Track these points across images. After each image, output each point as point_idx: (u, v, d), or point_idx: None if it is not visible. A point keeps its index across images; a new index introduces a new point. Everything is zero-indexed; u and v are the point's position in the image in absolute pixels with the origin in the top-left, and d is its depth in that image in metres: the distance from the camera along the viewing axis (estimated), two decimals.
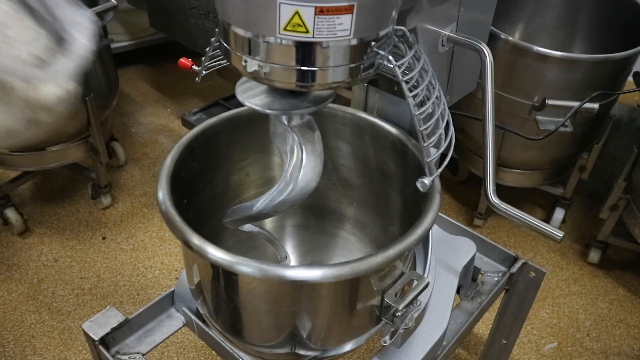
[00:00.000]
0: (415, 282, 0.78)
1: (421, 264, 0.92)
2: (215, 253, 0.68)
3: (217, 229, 0.95)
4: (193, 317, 0.95)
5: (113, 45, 2.28)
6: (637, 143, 1.68)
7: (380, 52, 0.63)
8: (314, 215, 1.08)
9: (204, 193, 0.94)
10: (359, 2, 0.56)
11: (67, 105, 0.74)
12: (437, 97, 0.72)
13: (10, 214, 1.86)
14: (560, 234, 0.78)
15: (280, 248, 0.98)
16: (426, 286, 0.76)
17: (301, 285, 0.71)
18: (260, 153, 0.99)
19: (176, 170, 0.82)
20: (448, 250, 1.05)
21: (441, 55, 0.89)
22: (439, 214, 1.15)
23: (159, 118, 2.48)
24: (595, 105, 1.51)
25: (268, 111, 0.72)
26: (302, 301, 0.74)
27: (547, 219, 2.01)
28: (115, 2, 1.64)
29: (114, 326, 0.94)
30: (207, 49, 0.80)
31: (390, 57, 0.64)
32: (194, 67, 0.86)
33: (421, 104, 0.72)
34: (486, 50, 0.82)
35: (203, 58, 0.82)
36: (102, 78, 1.86)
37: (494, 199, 0.82)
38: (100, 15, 1.64)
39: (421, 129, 0.67)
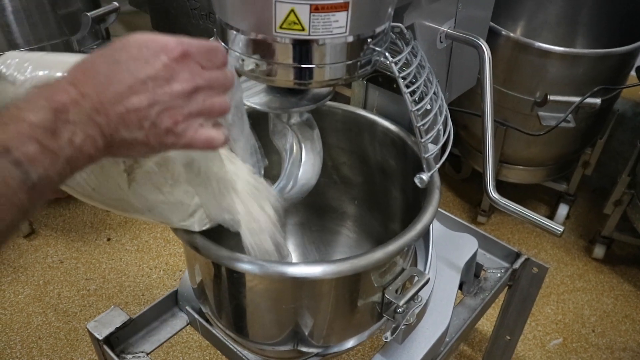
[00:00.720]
0: (416, 278, 0.78)
1: (422, 260, 0.92)
2: (217, 251, 0.69)
3: (219, 228, 0.95)
4: (196, 316, 0.96)
5: None
6: None
7: (377, 48, 0.63)
8: (316, 213, 1.08)
9: None
10: None
11: None
12: (434, 93, 0.72)
13: None
14: (560, 228, 0.78)
15: (282, 246, 0.98)
16: (427, 282, 0.77)
17: (302, 281, 0.71)
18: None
19: None
20: (450, 247, 1.05)
21: (440, 52, 0.89)
22: (442, 211, 1.16)
23: None
24: (598, 100, 1.51)
25: (267, 110, 0.73)
26: (303, 298, 0.75)
27: (551, 215, 2.01)
28: (117, 4, 1.66)
29: (118, 326, 0.94)
30: None
31: (387, 54, 0.64)
32: None
33: (419, 100, 0.72)
34: (484, 46, 0.82)
35: None
36: None
37: (494, 194, 0.82)
38: (103, 17, 1.66)
39: (418, 125, 0.68)
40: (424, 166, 0.71)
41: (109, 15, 1.66)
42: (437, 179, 0.78)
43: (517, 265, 1.11)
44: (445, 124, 0.73)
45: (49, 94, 0.45)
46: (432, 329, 0.93)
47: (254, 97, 0.73)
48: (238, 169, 0.69)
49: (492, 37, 1.57)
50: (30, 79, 0.55)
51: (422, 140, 0.69)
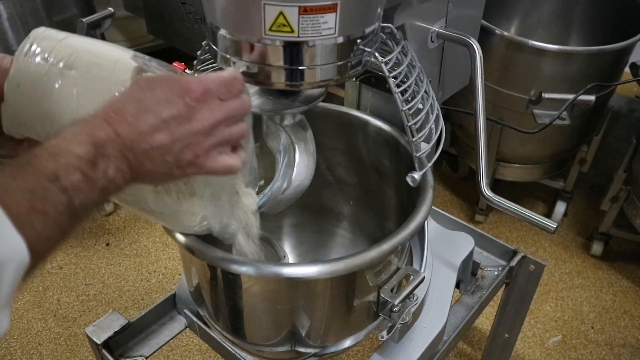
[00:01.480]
0: (411, 277, 0.79)
1: (418, 259, 0.93)
2: (212, 253, 0.69)
3: None
4: (194, 319, 0.96)
5: None
6: (636, 134, 1.68)
7: (367, 49, 0.64)
8: (311, 214, 1.08)
9: None
10: (343, 0, 0.57)
11: None
12: (425, 92, 0.72)
13: None
14: (553, 224, 0.78)
15: (278, 248, 0.98)
16: (422, 281, 0.77)
17: (297, 282, 0.72)
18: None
19: None
20: (446, 246, 1.06)
21: (431, 51, 0.90)
22: (438, 210, 1.16)
23: None
24: (592, 98, 1.51)
25: (260, 112, 0.73)
26: (298, 298, 0.75)
27: (548, 213, 2.01)
28: (112, 10, 1.66)
29: (116, 330, 0.95)
30: (198, 53, 0.81)
31: (377, 54, 0.64)
32: (187, 71, 0.87)
33: (411, 99, 0.72)
34: (475, 46, 0.82)
35: (195, 62, 0.83)
36: None
37: (487, 192, 0.82)
38: (98, 23, 1.66)
39: (410, 124, 0.68)
40: (416, 165, 0.71)
41: (104, 20, 1.66)
42: (430, 178, 0.79)
43: (514, 263, 1.12)
44: (437, 123, 0.73)
45: (90, 130, 0.50)
46: (429, 328, 0.93)
47: None
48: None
49: (487, 36, 1.58)
50: (59, 60, 0.58)
51: (414, 140, 0.69)
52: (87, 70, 0.58)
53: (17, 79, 0.58)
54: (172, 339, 1.00)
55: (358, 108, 0.98)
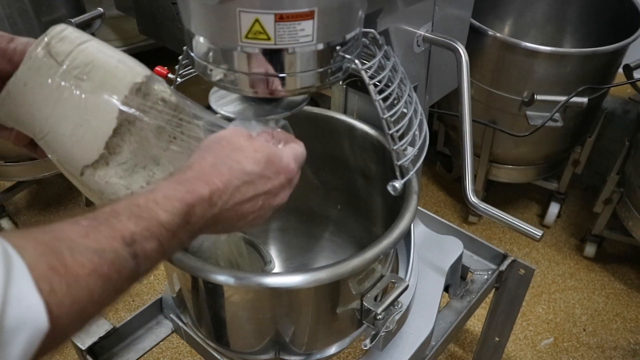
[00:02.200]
0: (396, 285, 0.78)
1: (404, 265, 0.92)
2: (191, 262, 0.68)
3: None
4: (181, 323, 0.95)
5: None
6: (629, 136, 1.67)
7: (347, 56, 0.63)
8: (298, 218, 1.08)
9: None
10: (320, 7, 0.56)
11: None
12: (409, 96, 0.71)
13: (5, 223, 1.86)
14: (538, 232, 0.77)
15: (264, 252, 0.97)
16: (405, 288, 0.76)
17: (278, 291, 0.71)
18: None
19: None
20: (435, 250, 1.05)
21: (418, 55, 0.89)
22: (428, 213, 1.15)
23: None
24: (584, 99, 1.50)
25: (242, 118, 0.72)
26: (280, 307, 0.74)
27: (542, 214, 2.00)
28: (102, 10, 1.65)
29: (101, 335, 0.94)
30: (180, 57, 0.80)
31: (357, 61, 0.63)
32: (169, 75, 0.86)
33: (394, 104, 0.71)
34: (461, 50, 0.81)
35: (177, 66, 0.82)
36: None
37: (473, 198, 0.81)
38: (88, 23, 1.65)
39: (391, 131, 0.67)
40: (397, 173, 0.70)
41: (94, 20, 1.65)
42: (415, 184, 0.78)
43: (503, 267, 1.11)
44: (420, 128, 0.72)
45: (182, 196, 0.48)
46: (415, 334, 0.92)
47: (228, 105, 0.72)
48: None
49: (479, 37, 1.57)
50: (74, 67, 0.56)
51: (395, 147, 0.68)
52: (99, 86, 0.56)
53: (25, 79, 0.56)
54: (158, 343, 0.99)
55: (345, 112, 0.97)
